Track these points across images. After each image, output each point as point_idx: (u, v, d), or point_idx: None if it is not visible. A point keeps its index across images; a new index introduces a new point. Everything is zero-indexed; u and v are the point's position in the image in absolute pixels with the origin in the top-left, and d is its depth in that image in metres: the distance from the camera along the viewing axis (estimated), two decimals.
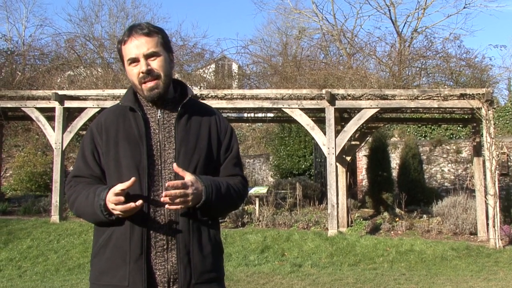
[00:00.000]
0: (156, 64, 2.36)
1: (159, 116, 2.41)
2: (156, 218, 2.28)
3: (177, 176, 2.27)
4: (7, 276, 9.21)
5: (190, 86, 2.58)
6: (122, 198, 2.16)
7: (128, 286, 2.23)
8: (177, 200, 2.18)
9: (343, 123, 13.13)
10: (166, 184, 2.19)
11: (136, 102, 2.43)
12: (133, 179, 2.18)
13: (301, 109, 12.13)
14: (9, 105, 13.39)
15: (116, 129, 2.38)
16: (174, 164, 2.25)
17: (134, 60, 2.35)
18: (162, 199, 2.20)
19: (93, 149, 2.41)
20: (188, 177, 2.24)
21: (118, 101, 2.61)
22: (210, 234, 2.38)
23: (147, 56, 2.34)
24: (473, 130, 13.52)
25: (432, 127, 23.65)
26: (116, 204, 2.16)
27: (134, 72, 2.36)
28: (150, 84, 2.34)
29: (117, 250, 2.27)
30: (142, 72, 2.33)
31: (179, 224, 2.29)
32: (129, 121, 2.39)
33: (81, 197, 2.33)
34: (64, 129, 12.88)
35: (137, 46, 2.34)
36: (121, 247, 2.26)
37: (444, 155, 20.19)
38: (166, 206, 2.20)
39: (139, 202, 2.17)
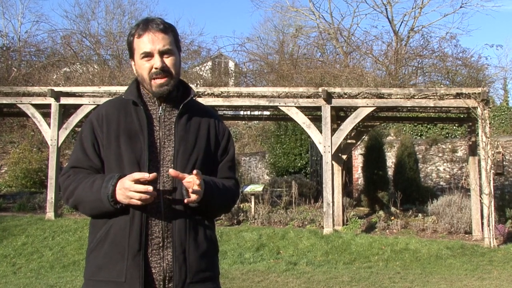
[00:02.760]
0: (169, 62, 2.37)
1: (160, 113, 2.41)
2: (153, 215, 2.27)
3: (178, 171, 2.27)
4: (1, 272, 9.19)
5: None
6: (150, 188, 2.15)
7: (125, 282, 2.22)
8: (195, 190, 2.20)
9: (339, 122, 13.14)
10: (194, 172, 2.20)
11: (139, 97, 2.43)
12: (154, 174, 2.18)
13: (297, 107, 12.13)
14: (4, 101, 13.34)
15: (118, 122, 2.37)
16: (170, 170, 2.24)
17: (148, 55, 2.35)
18: (188, 195, 2.21)
19: (93, 141, 2.38)
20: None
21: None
22: (206, 233, 2.38)
23: (162, 53, 2.35)
24: (468, 130, 13.55)
25: (428, 126, 23.70)
26: (139, 192, 2.14)
27: (145, 66, 2.36)
28: (161, 80, 2.35)
29: (115, 245, 2.25)
30: (156, 68, 2.33)
31: (175, 223, 2.28)
32: (131, 115, 2.38)
33: (83, 185, 2.29)
34: (59, 126, 12.85)
35: (153, 41, 2.34)
36: (120, 242, 2.25)
37: (440, 154, 20.23)
38: (186, 200, 2.22)
39: (150, 188, 2.16)
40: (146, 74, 2.36)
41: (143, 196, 2.14)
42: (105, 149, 2.36)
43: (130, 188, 2.15)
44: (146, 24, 2.38)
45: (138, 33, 2.37)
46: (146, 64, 2.36)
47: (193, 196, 2.21)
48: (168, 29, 2.39)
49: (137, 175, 2.16)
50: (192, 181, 2.19)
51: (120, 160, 2.31)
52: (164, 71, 2.35)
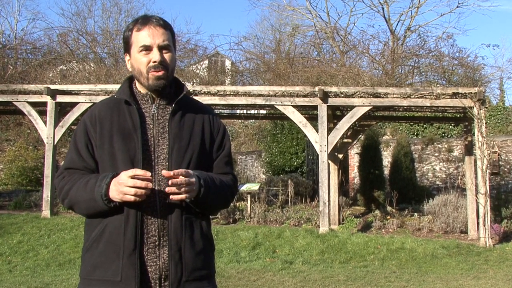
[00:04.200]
0: (167, 57, 2.38)
1: (154, 111, 2.40)
2: (148, 214, 2.27)
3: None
4: None
5: (183, 82, 2.58)
6: (150, 184, 2.16)
7: (121, 281, 2.21)
8: (183, 189, 2.18)
9: (335, 121, 13.15)
10: (172, 172, 2.17)
11: (132, 96, 2.42)
12: (149, 174, 2.17)
13: (293, 106, 12.13)
14: (0, 99, 13.30)
15: (111, 122, 2.36)
16: (163, 171, 2.22)
17: (147, 48, 2.34)
18: (167, 189, 2.19)
19: (86, 142, 2.38)
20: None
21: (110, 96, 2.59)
22: (202, 231, 2.38)
23: (161, 48, 2.35)
24: (465, 129, 13.57)
25: (424, 125, 23.73)
26: (138, 187, 2.13)
27: (143, 60, 2.35)
28: (158, 73, 2.34)
29: (110, 244, 2.25)
30: (154, 62, 2.33)
31: (171, 221, 2.28)
32: (124, 114, 2.38)
33: (78, 185, 2.29)
34: (56, 124, 12.83)
35: (153, 35, 2.34)
36: (115, 241, 2.24)
37: (436, 154, 20.26)
38: (171, 197, 2.20)
39: (150, 184, 2.16)
40: (143, 67, 2.35)
41: (139, 191, 2.14)
42: (99, 149, 2.36)
43: (126, 183, 2.14)
44: (146, 19, 2.38)
45: (138, 27, 2.37)
46: (143, 58, 2.35)
47: (175, 196, 2.20)
48: (167, 26, 2.40)
49: (139, 171, 2.15)
50: (179, 181, 2.18)
51: (114, 159, 2.31)
52: (162, 65, 2.35)
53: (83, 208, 2.32)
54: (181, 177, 2.18)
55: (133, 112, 2.37)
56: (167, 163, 2.31)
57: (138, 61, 2.37)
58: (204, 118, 2.51)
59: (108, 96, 2.68)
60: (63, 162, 2.52)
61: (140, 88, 2.45)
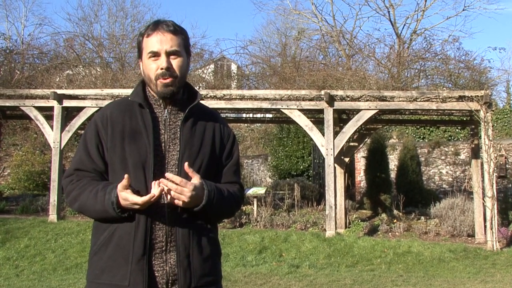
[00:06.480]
0: (175, 63, 2.36)
1: (166, 116, 2.40)
2: (157, 220, 2.27)
3: (183, 176, 2.24)
4: (4, 275, 9.19)
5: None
6: (149, 197, 2.17)
7: (129, 286, 2.21)
8: (173, 194, 2.18)
9: (341, 124, 13.13)
10: (166, 175, 2.19)
11: (145, 99, 2.41)
12: (126, 176, 2.16)
13: (299, 110, 12.13)
14: (7, 104, 13.37)
15: (123, 125, 2.36)
16: (186, 164, 2.22)
17: (155, 54, 2.34)
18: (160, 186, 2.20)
19: (97, 143, 2.37)
20: (196, 180, 2.23)
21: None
22: (209, 237, 2.38)
23: (169, 54, 2.34)
24: (471, 132, 13.52)
25: (431, 129, 23.66)
26: (135, 203, 2.15)
27: (152, 66, 2.35)
28: (166, 81, 2.33)
29: (119, 249, 2.25)
30: (162, 68, 2.32)
31: (179, 227, 2.28)
32: (136, 117, 2.37)
33: (87, 194, 2.28)
34: (62, 128, 12.87)
35: (161, 41, 2.33)
36: (124, 246, 2.24)
37: (443, 157, 20.19)
38: (169, 199, 2.20)
39: (158, 190, 2.17)
40: (152, 74, 2.35)
41: (142, 202, 2.15)
42: (110, 152, 2.35)
43: (137, 202, 2.15)
44: (156, 25, 2.38)
45: (148, 33, 2.37)
46: (152, 64, 2.35)
47: (176, 201, 2.21)
48: (177, 31, 2.38)
49: (147, 199, 2.15)
50: (167, 185, 2.19)
51: (125, 163, 2.30)
52: (169, 71, 2.33)
53: (94, 216, 2.33)
54: (170, 183, 2.17)
55: (145, 115, 2.36)
56: (177, 169, 2.31)
57: (148, 67, 2.37)
58: (215, 125, 2.50)
59: (118, 98, 2.69)
60: (71, 162, 2.51)
61: (153, 92, 2.44)
